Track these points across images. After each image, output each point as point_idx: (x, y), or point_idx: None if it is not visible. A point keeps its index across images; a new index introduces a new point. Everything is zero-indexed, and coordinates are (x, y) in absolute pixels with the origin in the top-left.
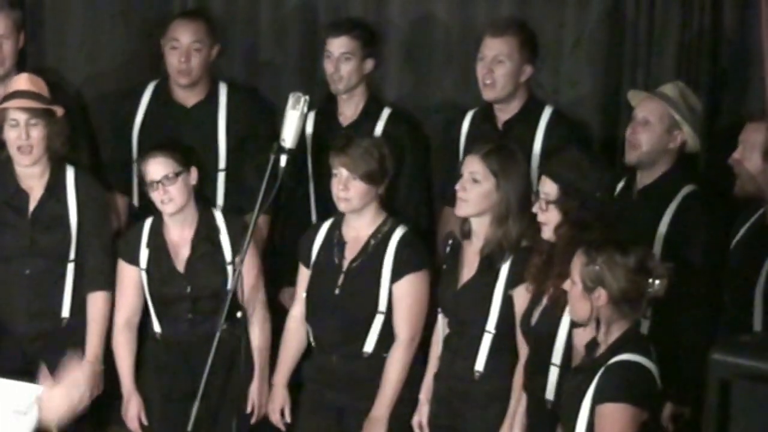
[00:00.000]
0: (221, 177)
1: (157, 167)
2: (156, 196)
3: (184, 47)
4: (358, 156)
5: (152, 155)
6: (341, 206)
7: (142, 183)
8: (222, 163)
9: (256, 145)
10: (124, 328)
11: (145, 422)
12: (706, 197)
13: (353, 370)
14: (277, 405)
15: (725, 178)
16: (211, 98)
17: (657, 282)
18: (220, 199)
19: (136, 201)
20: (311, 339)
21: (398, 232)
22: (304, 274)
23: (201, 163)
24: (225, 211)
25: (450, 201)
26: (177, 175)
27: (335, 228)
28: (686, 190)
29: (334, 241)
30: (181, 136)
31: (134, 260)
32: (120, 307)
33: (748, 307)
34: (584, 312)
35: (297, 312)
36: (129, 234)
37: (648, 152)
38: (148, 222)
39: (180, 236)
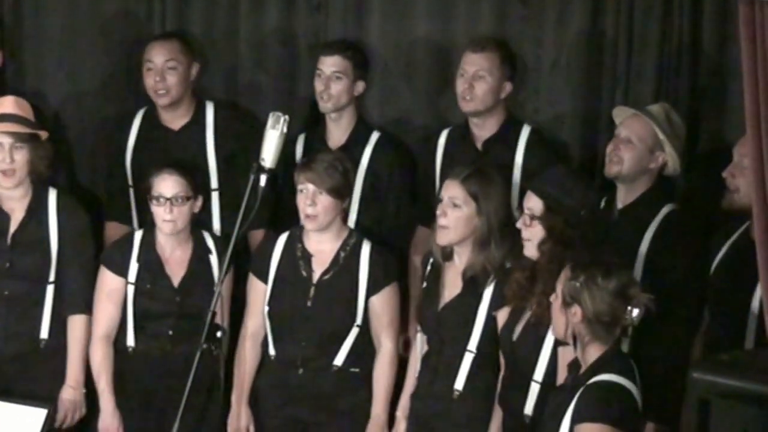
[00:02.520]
0: (215, 197)
1: (170, 184)
2: (159, 211)
3: (158, 67)
4: (323, 170)
5: (168, 171)
6: (309, 225)
7: (141, 207)
8: (214, 182)
9: (245, 162)
10: (104, 342)
11: None
12: (687, 217)
13: (319, 384)
14: (243, 424)
15: (705, 197)
16: (198, 119)
17: (635, 311)
18: (215, 220)
19: (136, 226)
20: (271, 353)
21: (366, 245)
22: (259, 290)
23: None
24: (213, 234)
25: (424, 221)
26: (187, 198)
27: (295, 241)
28: (666, 209)
29: (298, 254)
30: (171, 158)
31: (122, 272)
32: (100, 320)
33: (734, 325)
34: (561, 326)
35: (252, 327)
36: (117, 245)
37: (628, 169)
38: (138, 235)
39: (172, 254)
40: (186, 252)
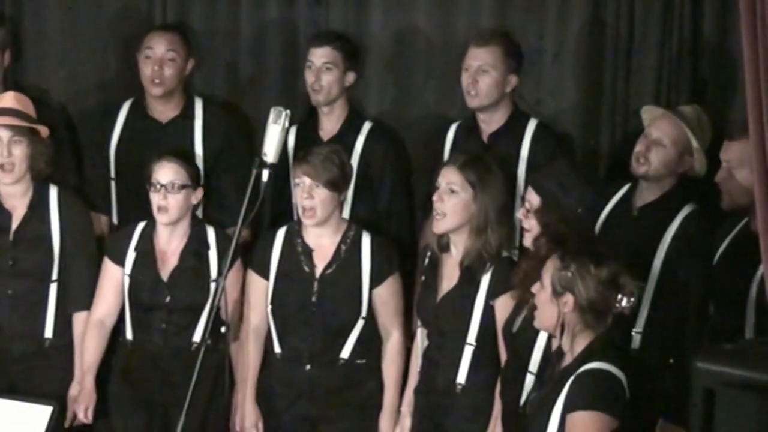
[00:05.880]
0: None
1: (166, 171)
2: (155, 198)
3: (157, 56)
4: (320, 163)
5: (167, 158)
6: (307, 221)
7: (122, 199)
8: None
9: (232, 158)
10: (97, 325)
11: (89, 420)
12: (705, 217)
13: (327, 378)
14: (252, 421)
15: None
16: (187, 113)
17: (625, 299)
18: (199, 214)
19: (115, 219)
20: (276, 351)
21: (366, 237)
22: (260, 286)
23: None
24: (217, 229)
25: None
26: (182, 187)
27: (293, 236)
28: (687, 209)
29: (298, 249)
30: (158, 151)
31: (120, 261)
32: (97, 304)
33: (737, 316)
34: (551, 317)
35: (254, 324)
36: (120, 234)
37: (655, 171)
38: (140, 226)
39: (168, 245)
40: (181, 245)
